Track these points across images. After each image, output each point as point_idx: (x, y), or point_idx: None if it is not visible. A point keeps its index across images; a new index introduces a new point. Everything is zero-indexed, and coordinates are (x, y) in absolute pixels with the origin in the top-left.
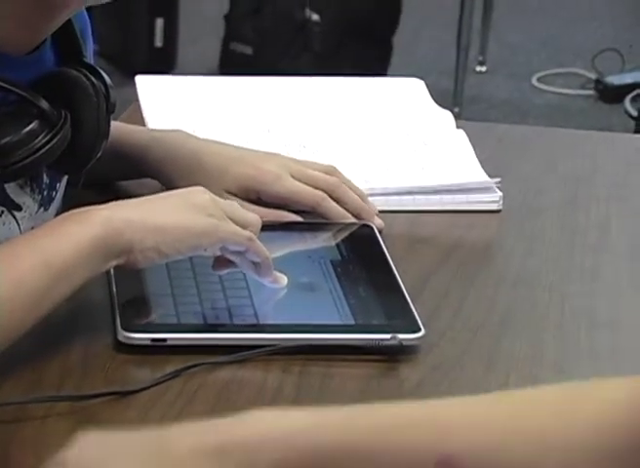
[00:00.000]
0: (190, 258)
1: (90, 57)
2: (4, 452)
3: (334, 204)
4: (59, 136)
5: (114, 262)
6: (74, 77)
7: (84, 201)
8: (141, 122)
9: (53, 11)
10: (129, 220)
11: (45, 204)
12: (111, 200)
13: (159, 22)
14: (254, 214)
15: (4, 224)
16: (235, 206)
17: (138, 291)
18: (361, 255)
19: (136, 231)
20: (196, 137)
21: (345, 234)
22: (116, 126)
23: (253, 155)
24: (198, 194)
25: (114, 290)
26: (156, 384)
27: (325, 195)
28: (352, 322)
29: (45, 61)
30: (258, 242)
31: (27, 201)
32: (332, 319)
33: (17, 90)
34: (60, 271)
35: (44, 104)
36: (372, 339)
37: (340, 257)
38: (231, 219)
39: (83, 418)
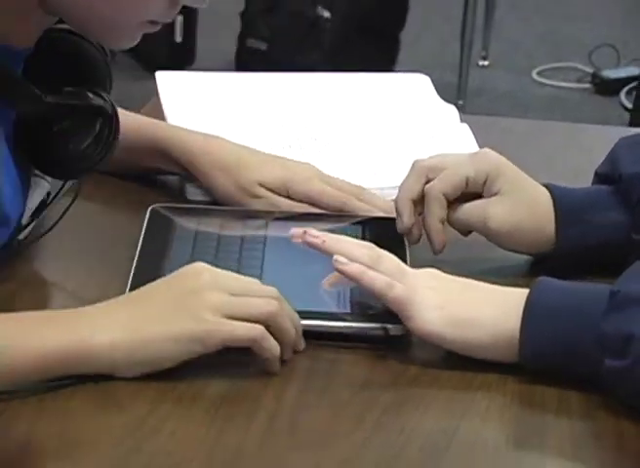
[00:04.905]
0: (218, 252)
1: None
2: (29, 432)
3: (360, 203)
4: (114, 122)
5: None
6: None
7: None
8: (161, 116)
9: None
10: (111, 343)
11: None
12: (114, 193)
13: (179, 19)
14: (270, 288)
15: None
16: (247, 280)
17: (155, 272)
18: (381, 247)
19: (116, 352)
20: (234, 143)
21: (374, 227)
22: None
23: (286, 160)
24: (194, 280)
25: (134, 268)
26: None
27: (351, 196)
28: (348, 310)
29: None
30: (269, 338)
31: None
32: (330, 306)
33: (73, 102)
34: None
35: (97, 101)
36: (361, 328)
37: None
38: (245, 294)
39: (106, 397)
